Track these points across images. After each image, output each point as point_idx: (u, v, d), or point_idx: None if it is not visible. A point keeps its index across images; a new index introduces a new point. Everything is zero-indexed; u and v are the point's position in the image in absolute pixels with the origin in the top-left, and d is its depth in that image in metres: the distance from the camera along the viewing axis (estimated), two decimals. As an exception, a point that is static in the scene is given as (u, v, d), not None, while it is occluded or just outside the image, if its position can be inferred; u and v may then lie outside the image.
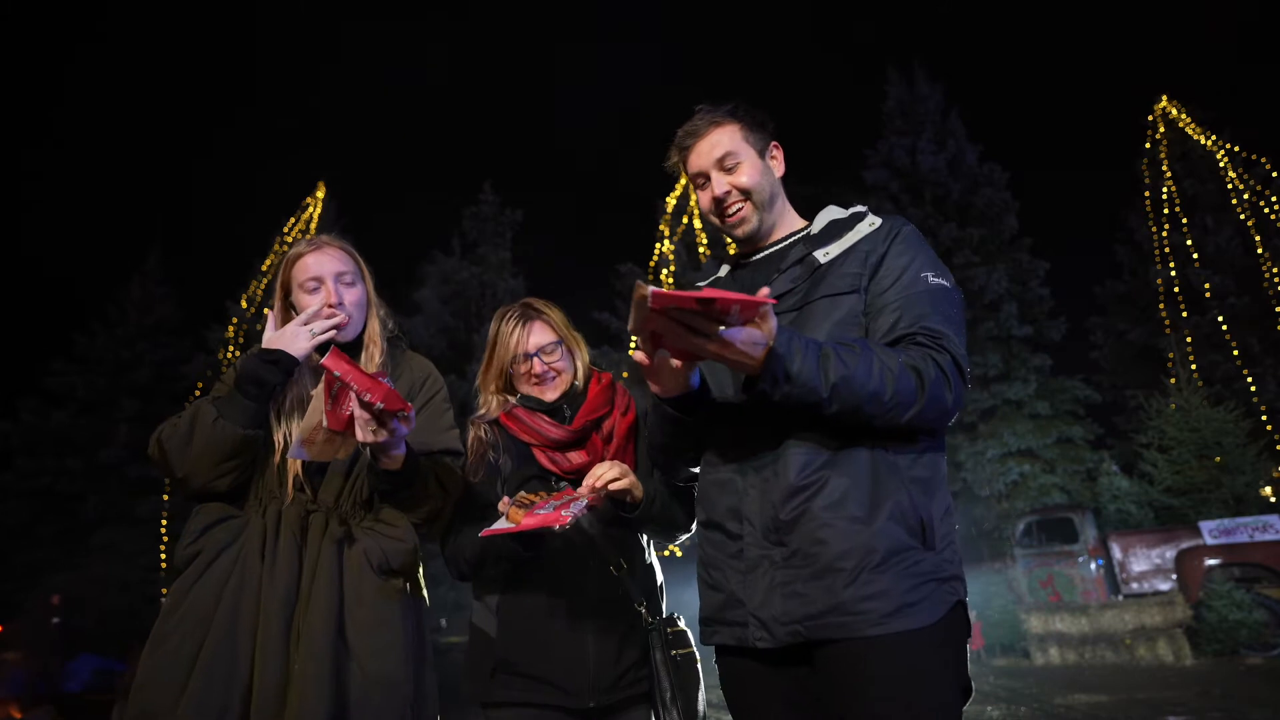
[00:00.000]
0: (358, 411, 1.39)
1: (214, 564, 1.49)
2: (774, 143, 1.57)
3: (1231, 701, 5.68)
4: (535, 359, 1.79)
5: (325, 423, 1.42)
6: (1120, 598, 9.07)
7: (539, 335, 1.81)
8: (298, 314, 1.69)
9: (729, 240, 1.62)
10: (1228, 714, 5.27)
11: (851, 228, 1.47)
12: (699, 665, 1.73)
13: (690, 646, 1.73)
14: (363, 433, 1.40)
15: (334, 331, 1.65)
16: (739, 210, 1.51)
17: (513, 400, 1.84)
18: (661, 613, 1.76)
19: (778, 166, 1.57)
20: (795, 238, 1.56)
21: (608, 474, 1.61)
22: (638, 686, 1.67)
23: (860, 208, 1.55)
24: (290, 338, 1.59)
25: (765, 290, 1.14)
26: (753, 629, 1.29)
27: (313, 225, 17.56)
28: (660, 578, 1.88)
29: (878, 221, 1.47)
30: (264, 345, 1.61)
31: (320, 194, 18.11)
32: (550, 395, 1.81)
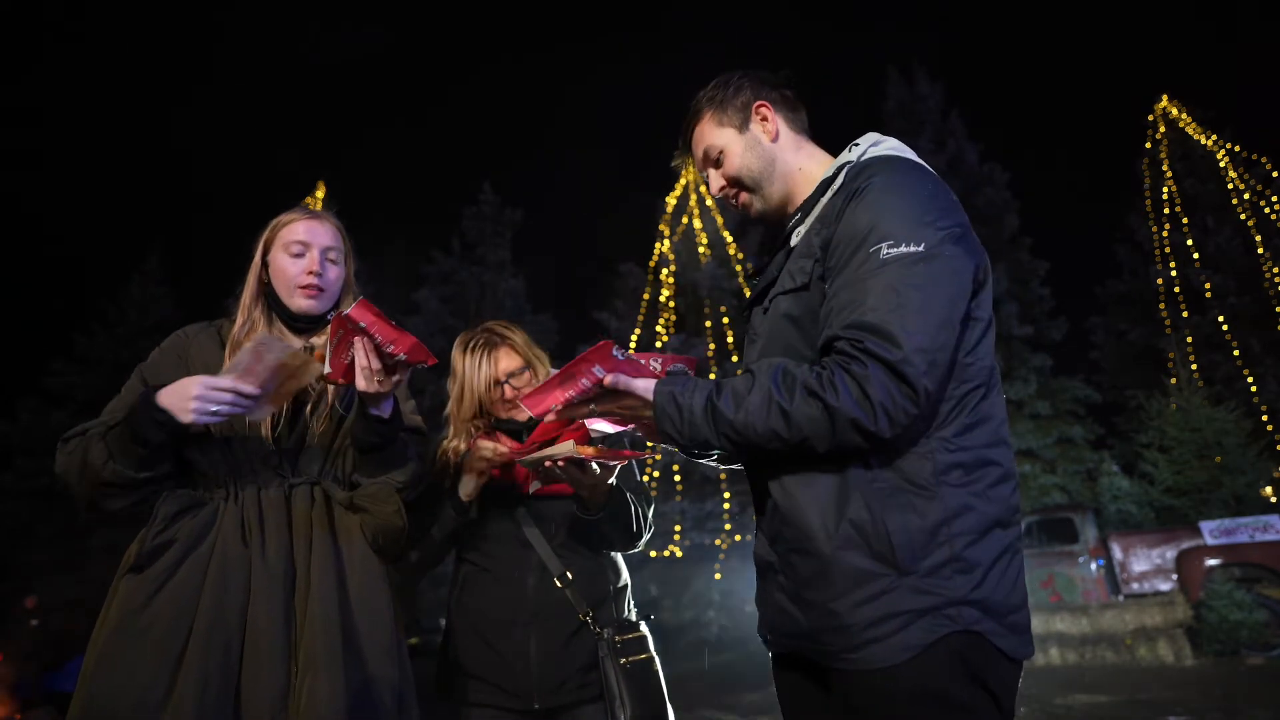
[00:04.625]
0: (365, 362, 1.36)
1: (190, 555, 1.37)
2: (756, 103, 1.38)
3: (1232, 702, 5.66)
4: (506, 385, 1.87)
5: (328, 371, 1.38)
6: (1120, 598, 9.04)
7: (506, 361, 1.89)
8: (270, 275, 1.60)
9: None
10: (1228, 714, 5.25)
11: (825, 190, 1.27)
12: (658, 670, 1.75)
13: (647, 653, 1.75)
14: (366, 383, 1.37)
15: (231, 413, 1.36)
16: (737, 200, 1.42)
17: (478, 426, 1.89)
18: (614, 620, 1.77)
19: (767, 129, 1.38)
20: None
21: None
22: (588, 690, 1.70)
23: (848, 154, 1.30)
24: (192, 401, 1.31)
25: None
26: (763, 631, 1.27)
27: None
28: (620, 582, 1.88)
29: (839, 181, 1.24)
30: (158, 397, 1.34)
31: (320, 193, 18.10)
32: (523, 415, 1.87)
